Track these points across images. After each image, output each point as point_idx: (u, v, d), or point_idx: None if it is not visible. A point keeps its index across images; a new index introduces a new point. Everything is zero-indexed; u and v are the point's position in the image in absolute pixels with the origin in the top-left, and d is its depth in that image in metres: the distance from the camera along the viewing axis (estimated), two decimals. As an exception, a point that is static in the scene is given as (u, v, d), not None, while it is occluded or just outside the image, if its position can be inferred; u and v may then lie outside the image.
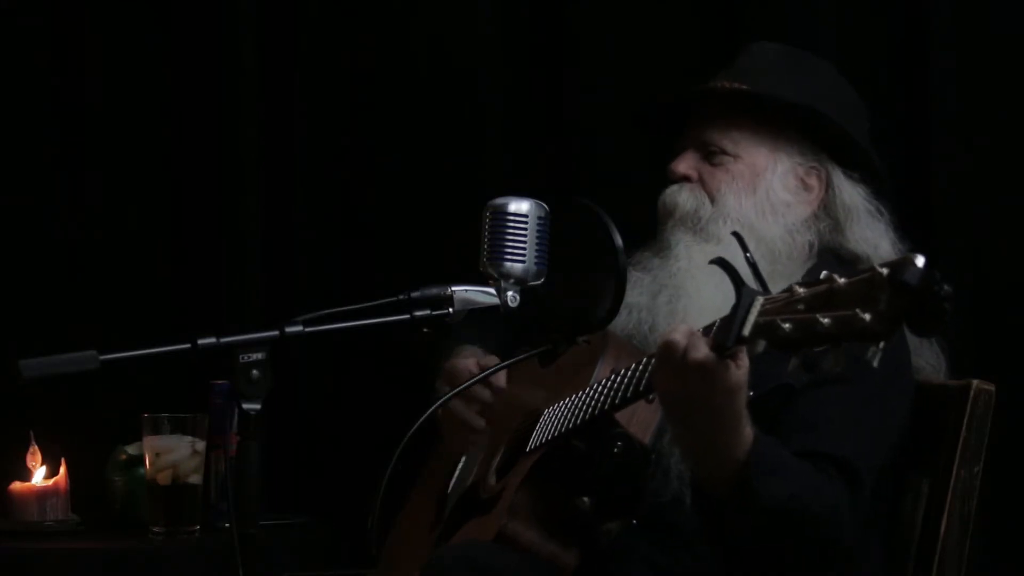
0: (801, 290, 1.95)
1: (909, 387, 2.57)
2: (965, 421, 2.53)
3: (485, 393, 2.68)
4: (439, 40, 3.61)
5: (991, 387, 2.56)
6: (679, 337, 2.17)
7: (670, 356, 2.17)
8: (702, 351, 2.14)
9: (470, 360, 2.70)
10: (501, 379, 2.67)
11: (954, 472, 2.52)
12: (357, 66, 3.64)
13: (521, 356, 2.42)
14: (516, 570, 2.42)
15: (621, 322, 2.60)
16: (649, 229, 2.73)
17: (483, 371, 2.63)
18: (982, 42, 3.32)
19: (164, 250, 3.67)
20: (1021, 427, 3.09)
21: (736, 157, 2.66)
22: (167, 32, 3.68)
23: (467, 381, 2.59)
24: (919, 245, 2.49)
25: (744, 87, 2.66)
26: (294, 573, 3.08)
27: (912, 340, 2.59)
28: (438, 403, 2.49)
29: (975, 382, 2.55)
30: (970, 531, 2.54)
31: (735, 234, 2.20)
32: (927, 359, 2.64)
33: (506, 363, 2.47)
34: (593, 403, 2.44)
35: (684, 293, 2.59)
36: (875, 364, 1.85)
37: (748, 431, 2.25)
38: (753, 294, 2.03)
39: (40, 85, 3.68)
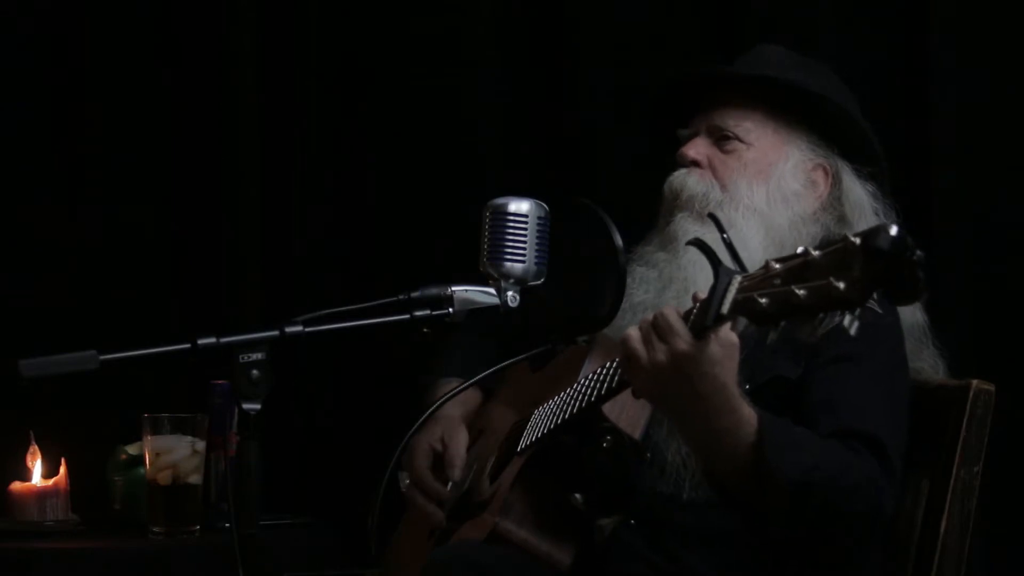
0: (777, 265, 1.97)
1: (907, 368, 2.57)
2: (965, 421, 2.53)
3: (443, 491, 2.71)
4: (439, 40, 3.61)
5: (991, 387, 2.56)
6: (632, 331, 2.21)
7: (628, 349, 2.20)
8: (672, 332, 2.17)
9: (434, 435, 2.74)
10: (456, 472, 2.72)
11: (954, 472, 2.52)
12: (357, 66, 3.64)
13: (520, 357, 2.42)
14: (512, 568, 2.42)
15: (625, 323, 2.59)
16: (649, 226, 2.73)
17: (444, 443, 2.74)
18: (982, 42, 3.32)
19: (164, 250, 3.67)
20: (1021, 427, 3.09)
21: (749, 145, 2.65)
22: (167, 32, 3.68)
23: (422, 461, 2.72)
24: (919, 245, 2.48)
25: (767, 73, 2.66)
26: (294, 573, 3.08)
27: (911, 342, 2.60)
28: (437, 404, 2.52)
29: (975, 382, 2.55)
30: (970, 531, 2.54)
31: (711, 215, 2.22)
32: (926, 360, 2.64)
33: (504, 364, 2.47)
34: (580, 397, 2.44)
35: (694, 286, 2.55)
36: (852, 332, 1.86)
37: (749, 412, 2.25)
38: (731, 273, 2.05)
39: (40, 85, 3.68)
